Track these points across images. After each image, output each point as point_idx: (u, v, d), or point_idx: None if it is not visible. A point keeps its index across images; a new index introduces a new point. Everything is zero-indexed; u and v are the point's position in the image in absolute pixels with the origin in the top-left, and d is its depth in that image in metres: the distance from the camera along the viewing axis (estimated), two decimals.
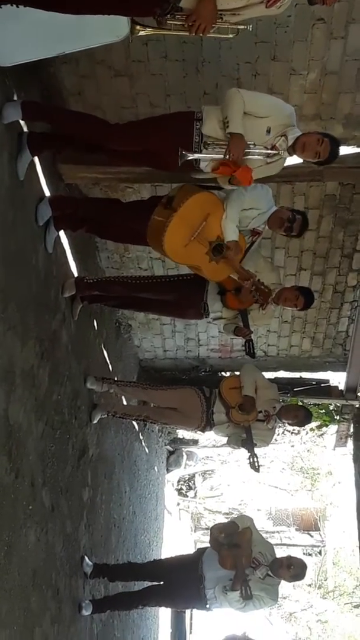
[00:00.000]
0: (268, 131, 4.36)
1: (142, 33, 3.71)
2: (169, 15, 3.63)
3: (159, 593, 6.35)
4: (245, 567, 5.62)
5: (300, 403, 10.53)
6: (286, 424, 6.95)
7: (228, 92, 4.34)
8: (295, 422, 6.45)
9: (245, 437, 6.23)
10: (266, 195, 5.15)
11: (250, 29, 3.88)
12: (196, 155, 4.36)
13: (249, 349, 5.91)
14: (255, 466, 6.30)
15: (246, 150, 4.36)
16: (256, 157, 4.41)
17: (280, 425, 6.54)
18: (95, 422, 6.58)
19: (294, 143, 4.43)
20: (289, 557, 5.82)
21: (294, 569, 5.70)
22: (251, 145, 4.36)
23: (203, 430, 6.58)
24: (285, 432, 14.18)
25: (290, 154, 4.50)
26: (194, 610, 9.93)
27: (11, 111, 4.21)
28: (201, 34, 3.68)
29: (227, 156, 4.34)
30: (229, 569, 5.67)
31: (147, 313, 8.12)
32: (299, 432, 13.18)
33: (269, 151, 4.43)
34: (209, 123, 4.36)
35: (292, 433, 13.78)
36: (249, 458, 6.27)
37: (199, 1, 3.53)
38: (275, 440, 15.11)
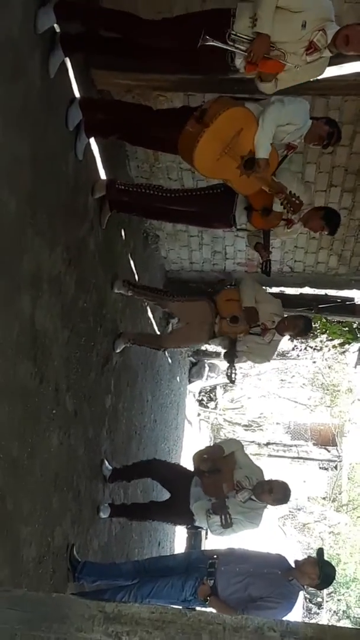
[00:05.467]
0: (304, 25, 4.12)
1: None
2: None
3: (162, 511, 6.39)
4: (226, 493, 5.58)
5: (323, 320, 10.57)
6: (290, 337, 6.95)
7: None
8: (297, 332, 6.32)
9: (232, 349, 6.24)
10: (304, 110, 4.97)
11: None
12: (216, 43, 4.13)
13: (266, 268, 5.88)
14: (231, 378, 6.47)
15: (270, 53, 4.17)
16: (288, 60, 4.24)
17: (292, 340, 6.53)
18: (118, 351, 6.65)
19: (334, 38, 4.16)
20: (270, 481, 5.67)
21: (275, 493, 5.57)
22: (277, 49, 4.18)
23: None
24: (308, 348, 14.26)
25: (332, 52, 4.25)
26: None
27: (44, 19, 4.11)
28: None
29: (249, 55, 4.18)
30: (212, 496, 5.64)
31: (175, 223, 8.08)
32: (321, 349, 13.23)
33: (290, 63, 4.24)
34: (240, 20, 4.18)
35: (314, 349, 13.84)
36: (227, 369, 6.36)
37: None
38: (294, 356, 15.20)
